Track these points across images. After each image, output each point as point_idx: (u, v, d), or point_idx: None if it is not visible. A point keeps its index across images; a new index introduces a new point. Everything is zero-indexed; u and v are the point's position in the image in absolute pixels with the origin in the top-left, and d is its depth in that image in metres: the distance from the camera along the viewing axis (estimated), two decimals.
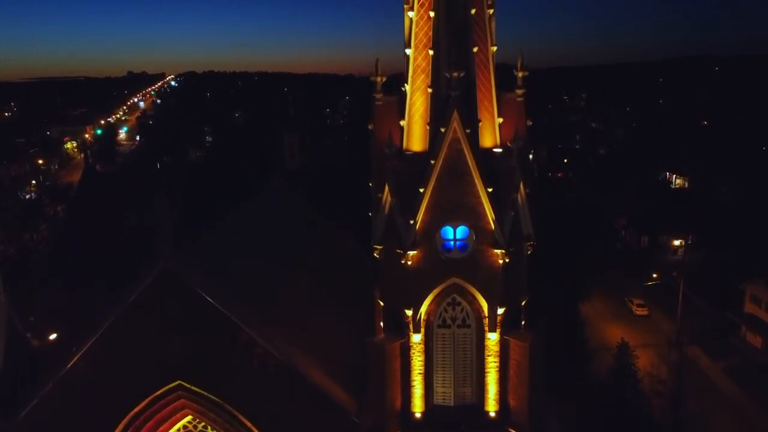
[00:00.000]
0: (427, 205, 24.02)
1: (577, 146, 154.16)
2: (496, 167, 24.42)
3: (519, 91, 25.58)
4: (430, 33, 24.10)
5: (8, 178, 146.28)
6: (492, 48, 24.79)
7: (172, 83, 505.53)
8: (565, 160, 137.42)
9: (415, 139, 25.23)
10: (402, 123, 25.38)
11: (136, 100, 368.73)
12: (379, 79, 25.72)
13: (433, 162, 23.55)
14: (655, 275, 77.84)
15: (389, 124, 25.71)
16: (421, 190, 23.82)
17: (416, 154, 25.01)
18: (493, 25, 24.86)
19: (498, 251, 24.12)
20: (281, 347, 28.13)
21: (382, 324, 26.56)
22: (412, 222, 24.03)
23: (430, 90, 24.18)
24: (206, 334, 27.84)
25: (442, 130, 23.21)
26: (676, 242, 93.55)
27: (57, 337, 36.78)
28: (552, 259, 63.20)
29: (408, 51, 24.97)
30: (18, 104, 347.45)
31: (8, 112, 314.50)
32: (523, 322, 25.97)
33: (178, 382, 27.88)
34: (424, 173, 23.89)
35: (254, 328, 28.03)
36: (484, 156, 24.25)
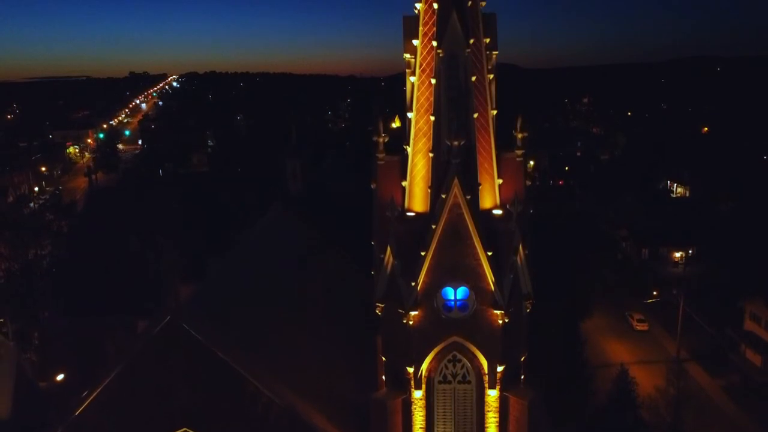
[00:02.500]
0: (428, 267, 24.54)
1: (579, 153, 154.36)
2: (496, 229, 24.91)
3: (518, 152, 26.11)
4: (431, 98, 24.58)
5: (11, 185, 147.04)
6: (492, 112, 25.27)
7: (174, 84, 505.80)
8: (566, 168, 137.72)
9: (417, 200, 25.75)
10: (404, 184, 25.88)
11: (138, 101, 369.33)
12: (381, 139, 26.23)
13: (434, 227, 24.06)
14: (655, 293, 78.24)
15: (391, 183, 26.26)
16: (423, 254, 24.34)
17: (418, 215, 25.52)
18: (494, 88, 25.33)
19: (498, 312, 24.64)
20: (284, 394, 28.78)
21: (384, 378, 27.09)
22: (413, 284, 24.55)
23: (431, 155, 24.67)
24: (212, 383, 28.49)
25: (443, 196, 23.70)
26: (677, 255, 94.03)
27: (64, 377, 37.36)
28: (552, 273, 63.54)
29: (410, 114, 25.49)
30: (20, 105, 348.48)
31: (10, 114, 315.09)
32: (522, 377, 26.49)
33: (185, 429, 28.54)
34: (425, 236, 24.40)
35: (258, 375, 28.70)
36: (484, 218, 24.76)
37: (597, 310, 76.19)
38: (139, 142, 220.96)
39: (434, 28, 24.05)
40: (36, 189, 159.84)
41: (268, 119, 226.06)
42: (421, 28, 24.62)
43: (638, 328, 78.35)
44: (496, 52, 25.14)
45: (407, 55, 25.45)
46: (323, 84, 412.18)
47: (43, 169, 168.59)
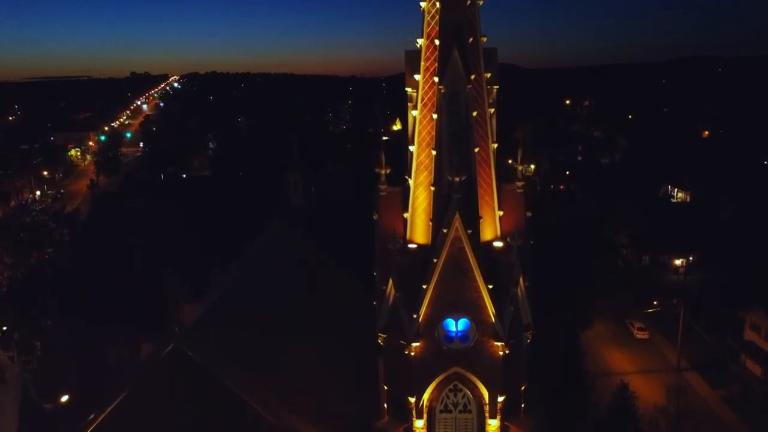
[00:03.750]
0: (429, 299, 24.84)
1: (579, 157, 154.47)
2: (497, 261, 25.19)
3: (519, 183, 26.37)
4: (433, 132, 24.84)
5: (13, 189, 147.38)
6: (493, 145, 25.52)
7: (175, 84, 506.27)
8: (567, 172, 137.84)
9: (418, 232, 26.02)
10: (405, 215, 26.15)
11: (139, 102, 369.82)
12: (383, 171, 26.48)
13: (435, 261, 24.33)
14: (655, 302, 78.38)
15: (393, 214, 26.54)
16: (424, 287, 24.61)
17: (419, 246, 25.80)
18: (494, 122, 25.58)
19: (498, 343, 24.92)
20: (287, 417, 29.18)
21: (386, 406, 27.39)
22: (415, 316, 24.84)
23: (432, 188, 24.92)
24: (215, 408, 28.92)
25: (445, 230, 23.97)
26: (678, 261, 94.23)
27: (68, 399, 37.72)
28: (553, 282, 63.65)
29: (411, 147, 25.74)
30: (21, 105, 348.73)
31: (11, 116, 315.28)
32: (523, 406, 26.79)
33: None
34: (427, 269, 24.67)
35: (260, 399, 29.12)
36: (484, 250, 25.06)
37: (597, 318, 76.30)
38: (141, 144, 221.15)
39: (436, 64, 24.31)
40: (38, 193, 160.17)
41: (269, 121, 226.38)
42: (422, 63, 24.88)
43: (639, 336, 78.44)
44: (497, 87, 25.39)
45: (409, 89, 25.72)
46: (324, 84, 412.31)
47: (45, 173, 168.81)
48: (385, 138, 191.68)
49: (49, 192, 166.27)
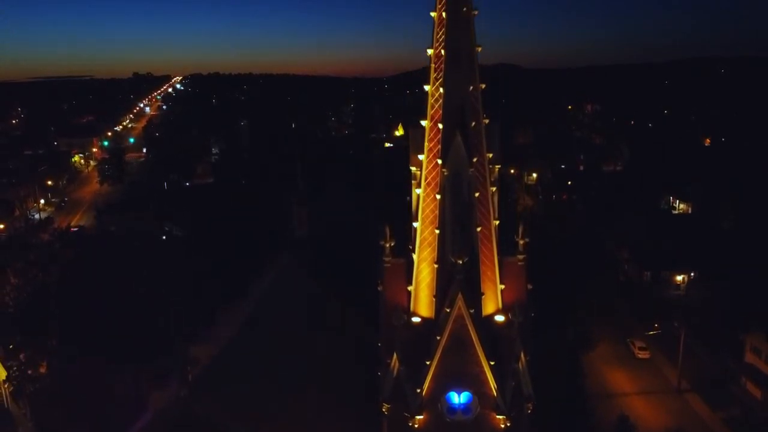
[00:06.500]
0: (433, 374, 25.46)
1: (581, 167, 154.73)
2: (498, 335, 25.80)
3: (520, 256, 26.94)
4: (436, 211, 25.42)
5: (17, 199, 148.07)
6: (495, 222, 26.10)
7: (178, 86, 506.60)
8: (569, 182, 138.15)
9: (422, 305, 26.64)
10: (410, 288, 26.76)
11: (142, 105, 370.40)
12: (387, 244, 27.08)
13: (439, 338, 24.95)
14: (656, 325, 78.74)
15: (397, 285, 27.14)
16: (428, 363, 25.24)
17: (423, 320, 26.43)
18: (496, 199, 26.16)
19: (500, 417, 25.54)
20: None
21: None
22: (419, 390, 25.47)
23: (436, 265, 25.53)
24: None
25: (448, 310, 24.58)
26: (679, 278, 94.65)
27: None
28: (553, 300, 63.83)
29: (415, 224, 26.33)
30: (24, 107, 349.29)
31: (15, 119, 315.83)
32: None
33: None
34: (430, 345, 25.30)
35: None
36: (486, 324, 25.67)
37: (598, 336, 76.51)
38: (144, 150, 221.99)
39: (439, 146, 24.88)
40: (42, 201, 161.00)
41: (271, 125, 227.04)
42: (426, 144, 25.46)
43: (640, 356, 78.59)
44: (499, 166, 25.96)
45: (413, 168, 26.28)
46: (326, 85, 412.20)
47: (50, 182, 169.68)
48: (387, 145, 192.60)
49: (53, 200, 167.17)
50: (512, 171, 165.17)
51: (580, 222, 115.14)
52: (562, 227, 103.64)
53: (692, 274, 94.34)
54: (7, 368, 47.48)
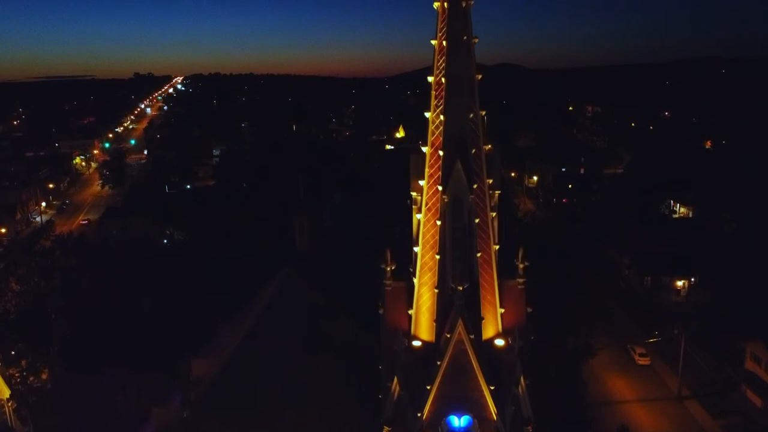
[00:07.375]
0: (433, 399, 25.65)
1: (582, 170, 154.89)
2: (498, 359, 25.99)
3: (520, 280, 27.12)
4: (437, 236, 25.62)
5: (19, 203, 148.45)
6: (495, 247, 26.28)
7: (179, 86, 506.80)
8: (570, 186, 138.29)
9: (423, 329, 26.84)
10: (410, 312, 26.97)
11: (143, 105, 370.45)
12: (388, 268, 27.28)
13: (439, 363, 25.15)
14: (656, 332, 78.96)
15: (398, 309, 27.34)
16: (428, 387, 25.43)
17: (424, 343, 26.62)
18: (497, 224, 26.34)
19: None
20: None
21: None
22: (419, 414, 25.66)
23: (436, 290, 25.73)
24: None
25: (448, 335, 24.78)
26: (679, 283, 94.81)
27: None
28: (554, 308, 63.87)
29: (416, 249, 26.52)
30: (25, 107, 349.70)
31: (16, 120, 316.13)
32: None
33: None
34: (430, 369, 25.49)
35: None
36: (486, 348, 25.86)
37: (598, 342, 76.59)
38: (145, 152, 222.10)
39: (439, 173, 25.07)
40: (43, 204, 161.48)
41: (272, 127, 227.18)
42: (427, 170, 25.64)
43: (640, 362, 78.79)
44: (499, 192, 26.15)
45: (414, 193, 26.47)
46: (327, 86, 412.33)
47: (51, 185, 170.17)
48: (388, 147, 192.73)
49: (54, 202, 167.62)
50: (513, 174, 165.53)
51: (581, 228, 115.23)
52: (562, 234, 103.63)
53: (692, 279, 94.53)
54: (8, 377, 47.75)
